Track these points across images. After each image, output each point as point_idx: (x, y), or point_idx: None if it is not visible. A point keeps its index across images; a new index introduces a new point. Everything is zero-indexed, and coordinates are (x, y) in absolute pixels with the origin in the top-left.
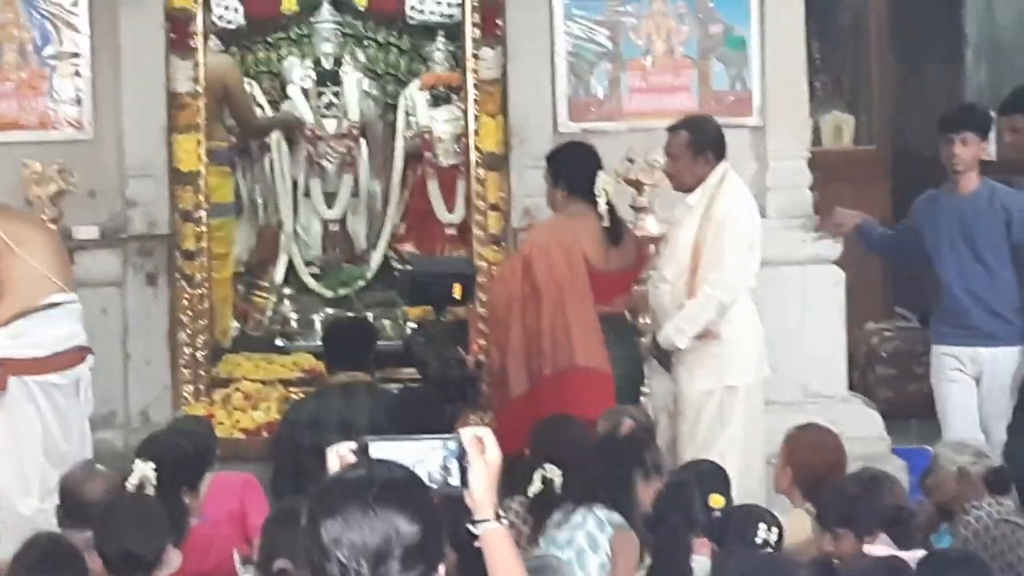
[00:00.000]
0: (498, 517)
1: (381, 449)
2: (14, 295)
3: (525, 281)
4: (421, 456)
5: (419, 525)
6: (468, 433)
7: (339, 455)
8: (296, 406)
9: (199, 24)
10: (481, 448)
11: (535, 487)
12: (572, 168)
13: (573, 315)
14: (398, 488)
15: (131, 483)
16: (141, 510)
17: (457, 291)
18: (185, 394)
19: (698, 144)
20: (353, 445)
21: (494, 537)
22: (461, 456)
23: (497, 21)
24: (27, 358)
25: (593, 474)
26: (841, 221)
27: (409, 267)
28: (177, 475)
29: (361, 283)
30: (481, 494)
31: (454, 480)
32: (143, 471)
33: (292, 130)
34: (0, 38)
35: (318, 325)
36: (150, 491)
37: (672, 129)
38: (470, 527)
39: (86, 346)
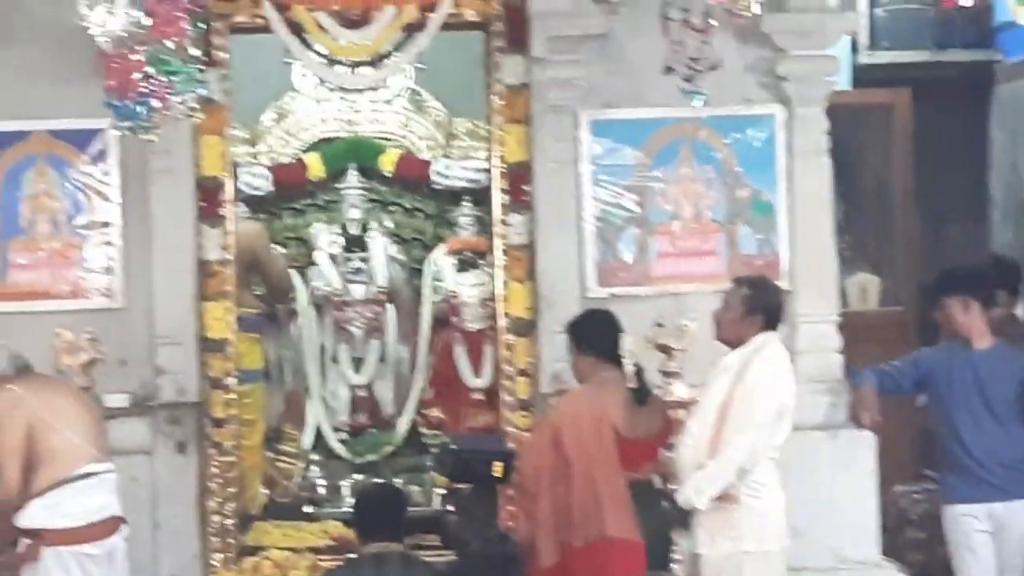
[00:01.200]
0: None
1: None
2: (50, 466)
3: (555, 452)
4: None
5: None
6: None
7: None
8: None
9: (228, 192)
10: None
11: None
12: (595, 334)
13: (603, 486)
14: None
15: None
16: None
17: (498, 469)
18: (214, 562)
19: (752, 304)
20: None
21: None
22: None
23: (524, 187)
24: (61, 528)
25: None
26: (868, 412)
27: (451, 444)
28: None
29: (389, 449)
30: None
31: None
32: None
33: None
34: (33, 208)
35: (346, 491)
36: None
37: (737, 281)
38: None
39: (120, 516)
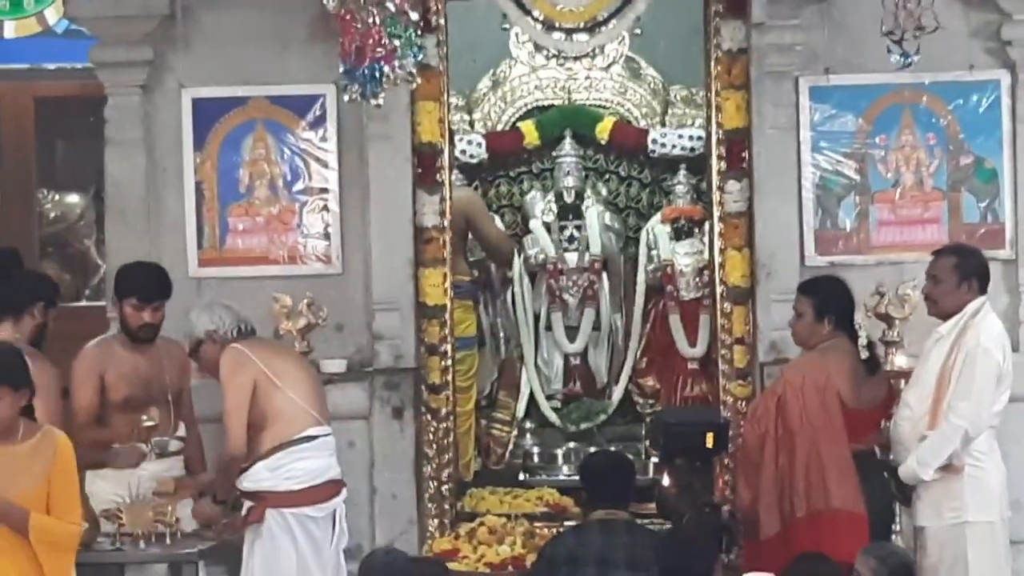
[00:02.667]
0: None
1: None
2: (274, 428)
3: (779, 421)
4: None
5: None
6: None
7: None
8: (554, 541)
9: (445, 159)
10: None
11: None
12: (839, 300)
13: (828, 456)
14: None
15: None
16: None
17: (710, 440)
18: (430, 528)
19: (964, 270)
20: None
21: None
22: None
23: (743, 154)
24: (283, 491)
25: None
26: None
27: (663, 417)
28: None
29: (602, 417)
30: None
31: None
32: None
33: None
34: (252, 174)
35: (560, 459)
36: None
37: (938, 253)
38: None
39: (340, 479)
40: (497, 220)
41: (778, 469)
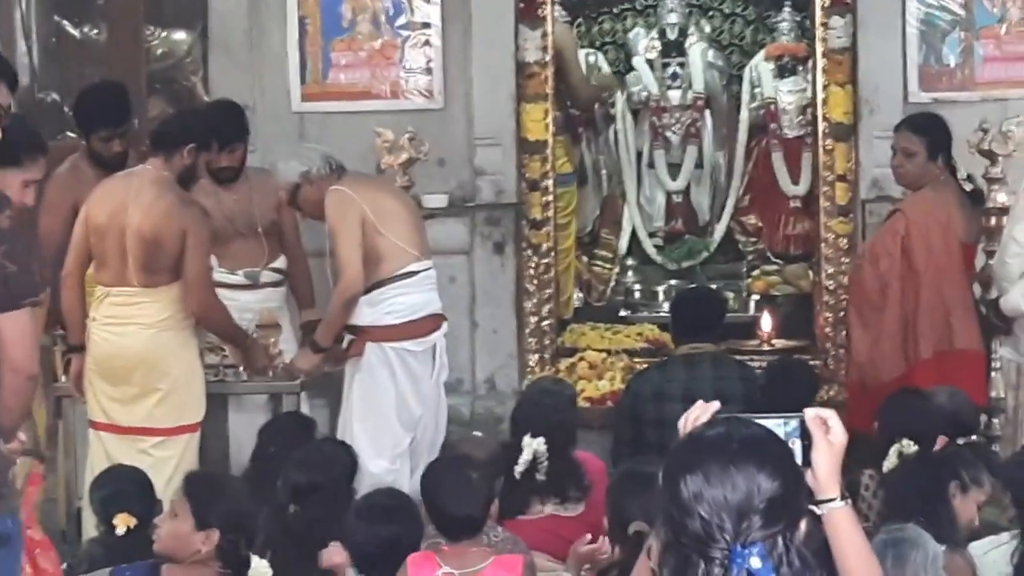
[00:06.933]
0: (843, 497)
1: None
2: (375, 263)
3: (903, 261)
4: None
5: (780, 480)
6: (812, 413)
7: (691, 418)
8: (638, 376)
9: None
10: (825, 429)
11: (891, 462)
12: (947, 140)
13: (951, 295)
14: (757, 444)
15: (525, 459)
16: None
17: None
18: (530, 363)
19: None
20: (710, 406)
21: (840, 517)
22: (803, 435)
23: None
24: (384, 325)
25: (907, 492)
26: None
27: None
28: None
29: (704, 255)
30: (825, 474)
31: (796, 459)
32: (535, 447)
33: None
34: (354, 9)
35: (661, 296)
36: (544, 464)
37: None
38: (813, 507)
39: (440, 313)
40: (600, 57)
41: (903, 310)
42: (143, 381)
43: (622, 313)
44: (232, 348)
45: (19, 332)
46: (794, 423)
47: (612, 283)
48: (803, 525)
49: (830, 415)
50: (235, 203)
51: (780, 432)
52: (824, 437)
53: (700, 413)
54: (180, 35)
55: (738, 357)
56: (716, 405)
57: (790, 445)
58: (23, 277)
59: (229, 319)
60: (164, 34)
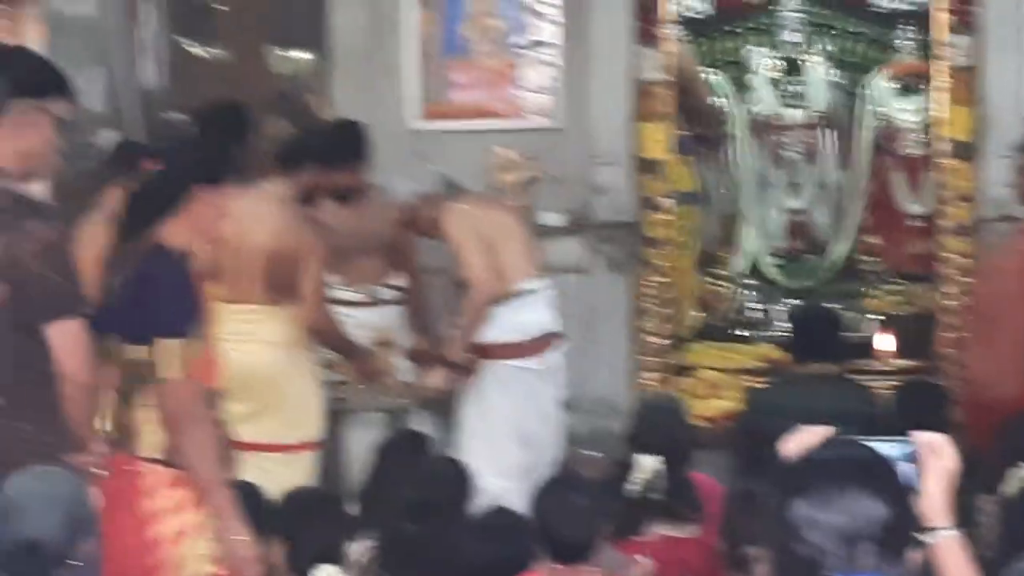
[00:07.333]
0: (955, 525)
1: None
2: (490, 282)
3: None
4: None
5: (891, 507)
6: (923, 438)
7: (800, 440)
8: (756, 394)
9: (666, 12)
10: (937, 454)
11: (1011, 487)
12: None
13: None
14: (869, 469)
15: (640, 478)
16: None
17: None
18: (647, 381)
19: None
20: (819, 430)
21: (950, 545)
22: (914, 460)
23: (969, 8)
24: (500, 343)
25: None
26: None
27: None
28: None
29: (824, 275)
30: (936, 500)
31: (909, 485)
32: (651, 465)
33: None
34: (473, 27)
35: (780, 316)
36: (662, 484)
37: None
38: (922, 536)
39: (558, 332)
40: (721, 75)
41: (1017, 326)
42: (262, 397)
43: (740, 332)
44: (345, 362)
45: (68, 342)
46: (907, 447)
47: (730, 302)
48: (917, 556)
49: (942, 440)
50: (355, 221)
51: (893, 456)
52: (936, 463)
53: (810, 437)
54: (301, 54)
55: (859, 378)
56: (827, 430)
57: (903, 470)
58: (66, 288)
59: (341, 331)
60: (285, 53)
